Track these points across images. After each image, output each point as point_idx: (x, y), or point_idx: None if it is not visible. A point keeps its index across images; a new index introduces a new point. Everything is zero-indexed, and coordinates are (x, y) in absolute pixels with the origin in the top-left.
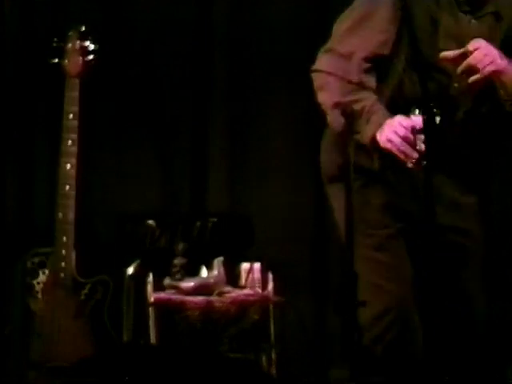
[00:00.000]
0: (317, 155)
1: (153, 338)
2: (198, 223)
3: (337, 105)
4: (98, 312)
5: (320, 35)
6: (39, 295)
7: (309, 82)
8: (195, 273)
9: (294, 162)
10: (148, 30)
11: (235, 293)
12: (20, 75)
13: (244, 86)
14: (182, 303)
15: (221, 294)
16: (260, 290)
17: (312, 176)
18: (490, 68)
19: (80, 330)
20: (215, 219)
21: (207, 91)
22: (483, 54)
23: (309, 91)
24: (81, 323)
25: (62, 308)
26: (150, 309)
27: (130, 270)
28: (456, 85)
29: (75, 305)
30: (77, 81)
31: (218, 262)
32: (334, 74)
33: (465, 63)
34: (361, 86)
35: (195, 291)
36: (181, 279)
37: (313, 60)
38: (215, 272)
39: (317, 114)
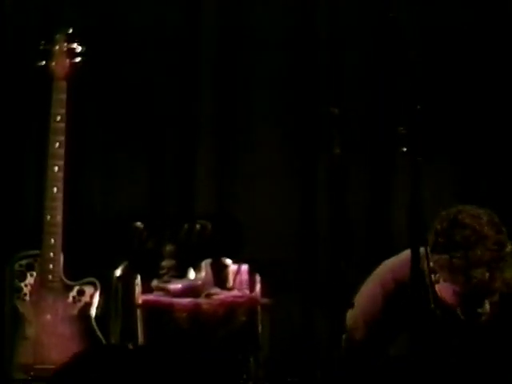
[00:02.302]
0: (305, 156)
1: (141, 340)
2: (186, 225)
3: None
4: (86, 314)
5: (308, 43)
6: (27, 297)
7: (296, 87)
8: (183, 275)
9: (282, 163)
10: (135, 31)
11: (223, 294)
12: (7, 78)
13: (232, 87)
14: (170, 305)
15: (209, 295)
16: (248, 292)
17: (300, 177)
18: None
19: (68, 332)
20: (203, 221)
21: (195, 93)
22: None
23: (296, 95)
24: (68, 325)
25: (50, 310)
26: (138, 311)
27: (118, 272)
28: None
29: (63, 307)
30: (64, 83)
31: (205, 263)
32: None
33: None
34: None
35: (183, 293)
36: (169, 281)
37: (302, 65)
38: (203, 274)
39: (305, 116)
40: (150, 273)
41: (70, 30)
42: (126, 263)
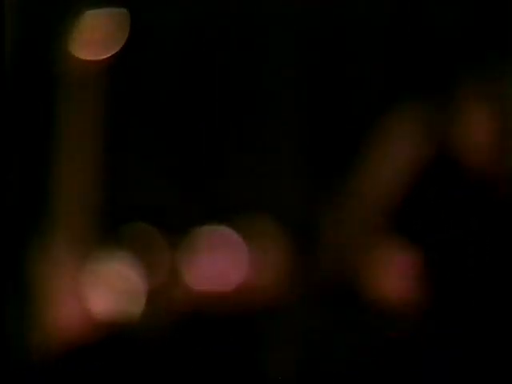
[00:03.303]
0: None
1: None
2: None
3: None
4: None
5: (322, 43)
6: (52, 279)
7: (308, 85)
8: None
9: (290, 160)
10: (158, 25)
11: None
12: (36, 69)
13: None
14: None
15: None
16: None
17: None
18: None
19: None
20: None
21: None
22: None
23: (307, 92)
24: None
25: (74, 294)
26: None
27: None
28: None
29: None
30: (94, 76)
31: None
32: None
33: None
34: None
35: None
36: None
37: (317, 61)
38: None
39: (311, 113)
40: None
41: (101, 21)
42: None
